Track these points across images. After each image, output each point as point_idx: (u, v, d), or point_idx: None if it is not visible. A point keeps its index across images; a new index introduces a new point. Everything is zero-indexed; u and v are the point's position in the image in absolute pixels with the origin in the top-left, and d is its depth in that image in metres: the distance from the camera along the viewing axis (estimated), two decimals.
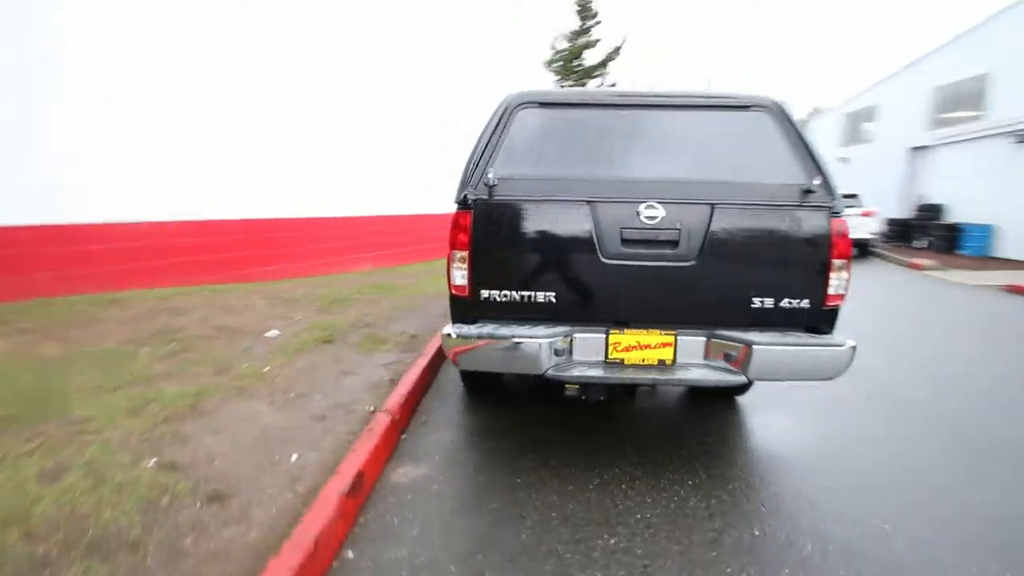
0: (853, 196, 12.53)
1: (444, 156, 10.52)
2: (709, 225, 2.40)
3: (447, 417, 3.29)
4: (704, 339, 2.45)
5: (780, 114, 2.58)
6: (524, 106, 2.62)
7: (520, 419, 3.24)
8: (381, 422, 2.78)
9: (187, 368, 3.62)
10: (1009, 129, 12.33)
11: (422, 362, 3.87)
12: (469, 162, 2.58)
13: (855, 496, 2.43)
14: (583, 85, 13.56)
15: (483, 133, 2.62)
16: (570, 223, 2.42)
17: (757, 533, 2.15)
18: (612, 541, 2.06)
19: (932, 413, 3.46)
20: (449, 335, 2.38)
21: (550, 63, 13.59)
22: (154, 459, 2.38)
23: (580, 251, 2.41)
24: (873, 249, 13.27)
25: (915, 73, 17.50)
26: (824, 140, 22.78)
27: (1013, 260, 11.65)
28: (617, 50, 13.22)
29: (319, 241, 8.11)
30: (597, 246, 2.40)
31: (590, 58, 13.59)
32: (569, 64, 13.35)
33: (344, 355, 4.29)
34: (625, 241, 2.40)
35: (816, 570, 1.92)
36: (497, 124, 2.59)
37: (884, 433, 3.15)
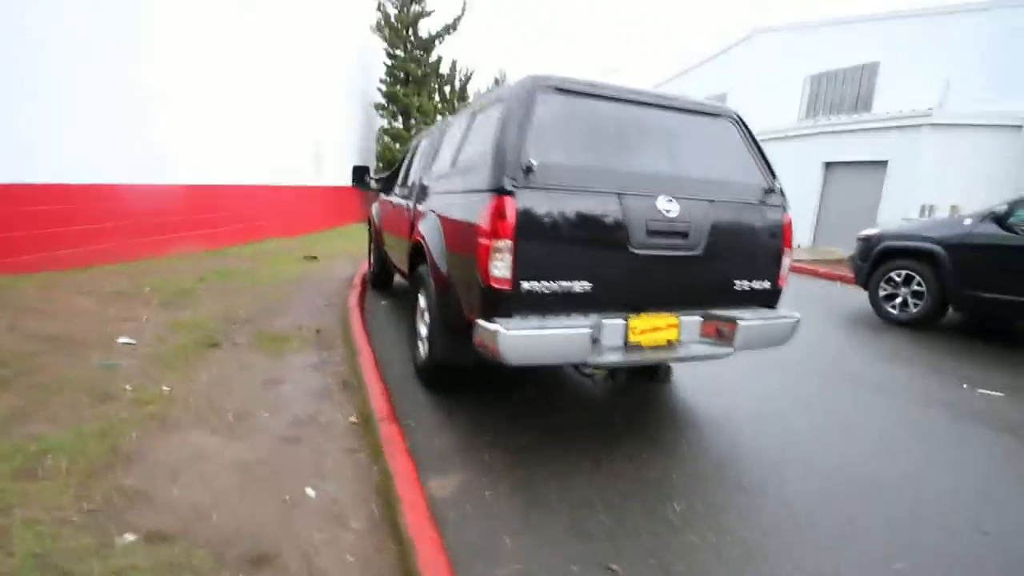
0: None
1: (263, 119, 9.10)
2: (710, 218, 2.72)
3: (427, 420, 3.03)
4: (700, 319, 2.79)
5: (741, 123, 3.03)
6: (545, 90, 2.54)
7: (499, 413, 3.16)
8: (392, 433, 2.46)
9: (47, 398, 2.59)
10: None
11: (368, 362, 3.47)
12: (498, 145, 2.41)
13: (789, 427, 3.10)
14: (419, 57, 13.10)
15: (508, 115, 2.47)
16: (607, 214, 2.47)
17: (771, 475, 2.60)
18: (679, 507, 2.27)
19: (800, 363, 4.51)
20: (497, 331, 2.24)
21: (379, 28, 12.70)
22: (128, 533, 1.71)
23: (615, 241, 2.50)
24: None
25: (681, 84, 21.40)
26: None
27: None
28: (454, 25, 12.93)
29: (120, 216, 6.33)
30: (628, 237, 2.52)
31: (424, 29, 13.12)
32: (401, 32, 12.69)
33: (249, 360, 3.58)
34: (649, 232, 2.57)
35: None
36: (522, 107, 2.46)
37: (778, 385, 4.01)
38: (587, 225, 2.45)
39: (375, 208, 6.19)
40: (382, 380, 3.23)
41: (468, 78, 20.63)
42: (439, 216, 3.07)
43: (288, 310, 4.95)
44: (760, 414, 3.34)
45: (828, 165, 13.35)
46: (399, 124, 12.84)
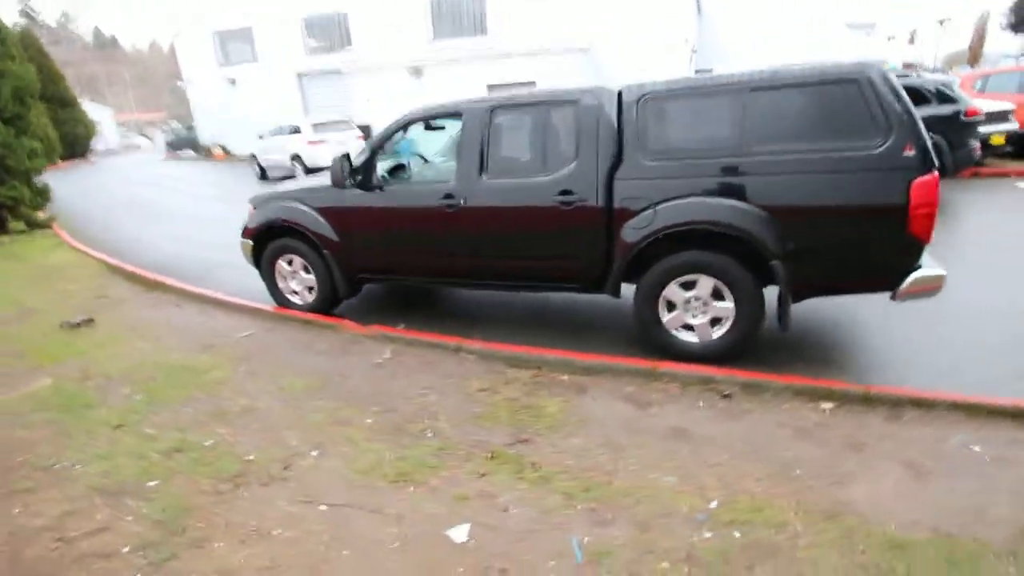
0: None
1: None
2: None
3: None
4: None
5: None
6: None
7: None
8: None
9: None
10: (408, 64, 16.40)
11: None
12: (907, 127, 2.80)
13: None
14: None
15: (889, 97, 2.82)
16: None
17: None
18: None
19: None
20: (943, 274, 2.96)
21: None
22: None
23: None
24: None
25: (285, 2, 18.77)
26: (199, 58, 21.01)
27: None
28: None
29: None
30: None
31: None
32: None
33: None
34: None
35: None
36: (889, 89, 2.88)
37: None
38: None
39: (304, 210, 4.26)
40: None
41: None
42: (770, 206, 2.99)
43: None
44: None
45: (490, 87, 15.51)
46: None
